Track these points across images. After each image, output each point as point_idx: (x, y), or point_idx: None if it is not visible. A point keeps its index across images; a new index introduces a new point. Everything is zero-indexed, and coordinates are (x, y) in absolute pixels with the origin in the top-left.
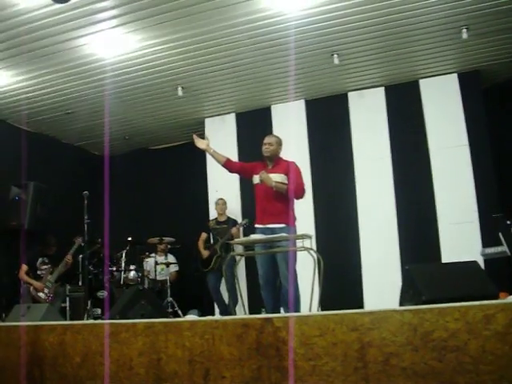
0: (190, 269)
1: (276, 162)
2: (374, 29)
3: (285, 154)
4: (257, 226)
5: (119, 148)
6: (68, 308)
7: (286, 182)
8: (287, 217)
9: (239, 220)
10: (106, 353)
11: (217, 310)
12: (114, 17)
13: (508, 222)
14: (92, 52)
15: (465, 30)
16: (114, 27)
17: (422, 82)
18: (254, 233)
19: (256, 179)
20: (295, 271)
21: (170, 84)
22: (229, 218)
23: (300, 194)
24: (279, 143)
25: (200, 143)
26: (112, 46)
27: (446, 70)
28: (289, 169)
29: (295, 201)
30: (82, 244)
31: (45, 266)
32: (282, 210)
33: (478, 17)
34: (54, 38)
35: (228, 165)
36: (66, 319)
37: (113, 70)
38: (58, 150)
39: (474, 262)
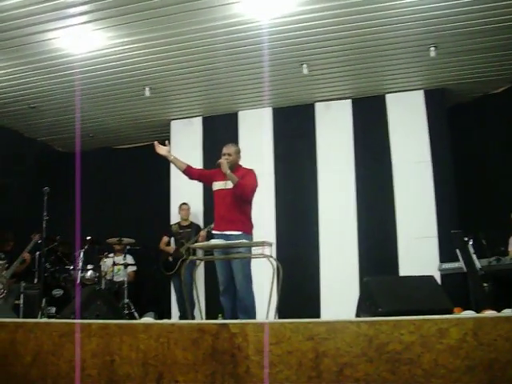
0: (149, 270)
1: (235, 170)
2: (344, 41)
3: (249, 161)
4: (214, 232)
5: (83, 145)
6: (22, 305)
7: None
8: (244, 224)
9: (201, 224)
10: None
11: (174, 313)
12: (85, 13)
13: (466, 239)
14: (60, 47)
15: (433, 49)
16: (83, 23)
17: (388, 97)
18: (213, 238)
19: (215, 186)
20: (251, 279)
21: (138, 84)
22: (192, 222)
23: (247, 190)
24: (237, 152)
25: (160, 149)
26: (81, 42)
27: (413, 87)
28: (247, 175)
29: (253, 208)
30: (39, 241)
31: (0, 262)
32: (238, 218)
33: (447, 36)
34: (21, 30)
35: (188, 171)
36: (19, 316)
37: (80, 67)
38: (20, 145)
39: (431, 277)
